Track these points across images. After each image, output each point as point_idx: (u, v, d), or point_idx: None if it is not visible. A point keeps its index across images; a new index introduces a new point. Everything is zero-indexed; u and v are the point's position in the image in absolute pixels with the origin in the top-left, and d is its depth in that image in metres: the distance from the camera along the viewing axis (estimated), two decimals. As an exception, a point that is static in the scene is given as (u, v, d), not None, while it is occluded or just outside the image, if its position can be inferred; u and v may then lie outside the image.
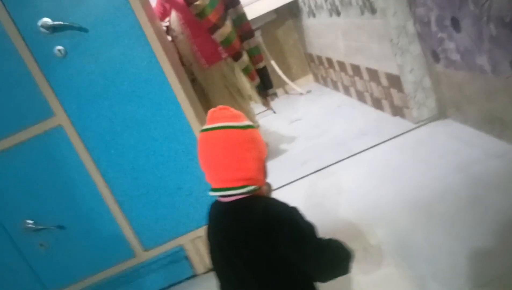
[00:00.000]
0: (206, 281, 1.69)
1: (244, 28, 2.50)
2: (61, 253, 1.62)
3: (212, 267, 0.97)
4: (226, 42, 2.38)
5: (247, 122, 0.90)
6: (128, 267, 1.66)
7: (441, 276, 1.28)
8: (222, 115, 0.89)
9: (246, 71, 2.49)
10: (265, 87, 2.63)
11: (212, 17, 2.31)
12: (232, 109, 0.91)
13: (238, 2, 2.48)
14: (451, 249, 1.35)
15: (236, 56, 2.44)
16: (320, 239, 0.90)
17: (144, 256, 1.65)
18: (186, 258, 1.69)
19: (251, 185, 0.87)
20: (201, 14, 2.30)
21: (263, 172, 0.91)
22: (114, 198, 1.58)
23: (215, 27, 2.34)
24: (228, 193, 0.87)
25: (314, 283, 0.93)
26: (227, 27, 2.38)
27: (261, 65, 2.59)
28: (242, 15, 2.49)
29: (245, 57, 2.48)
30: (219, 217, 0.90)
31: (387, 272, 1.38)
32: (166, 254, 1.67)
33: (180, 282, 1.73)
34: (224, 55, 2.46)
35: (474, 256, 1.29)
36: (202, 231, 1.64)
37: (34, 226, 1.58)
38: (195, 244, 1.67)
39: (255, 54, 2.55)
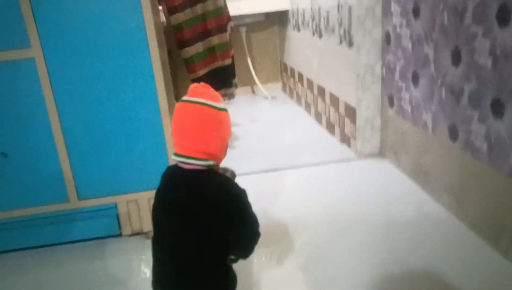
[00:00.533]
0: (129, 243, 1.78)
1: (218, 21, 2.49)
2: (-3, 179, 1.65)
3: (153, 222, 1.08)
4: (177, 27, 2.41)
5: (222, 105, 1.01)
6: (59, 210, 1.70)
7: (339, 280, 1.45)
8: (203, 92, 1.00)
9: (187, 61, 2.48)
10: (223, 84, 2.60)
11: (177, 0, 2.35)
12: (212, 90, 1.02)
13: None
14: (353, 264, 1.53)
15: (181, 44, 2.46)
16: (256, 224, 1.03)
17: (77, 204, 1.70)
18: (117, 217, 1.75)
19: (211, 160, 0.98)
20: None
21: (224, 152, 1.03)
22: (65, 141, 1.62)
23: (174, 10, 2.38)
24: (189, 161, 0.96)
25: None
26: (185, 15, 2.39)
27: (226, 62, 2.56)
28: (220, 8, 2.48)
29: (191, 48, 2.46)
30: (175, 179, 1.00)
31: (293, 271, 1.54)
32: (98, 207, 1.72)
33: (104, 237, 1.80)
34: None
35: (372, 275, 1.47)
36: (138, 196, 1.72)
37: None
38: (129, 206, 1.74)
39: (222, 50, 2.53)
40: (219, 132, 0.99)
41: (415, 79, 1.99)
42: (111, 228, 1.77)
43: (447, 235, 1.68)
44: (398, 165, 2.25)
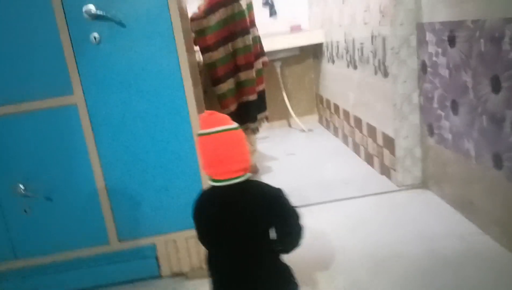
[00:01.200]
0: (168, 284, 1.79)
1: (247, 58, 2.53)
2: (41, 223, 1.70)
3: (207, 245, 1.18)
4: (211, 65, 2.48)
5: (235, 124, 1.12)
6: (99, 252, 1.73)
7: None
8: (216, 120, 1.11)
9: (220, 97, 2.55)
10: (247, 118, 2.63)
11: (210, 39, 2.43)
12: (218, 113, 1.13)
13: (248, 32, 2.50)
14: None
15: (215, 82, 2.52)
16: (297, 215, 1.15)
17: (117, 245, 1.73)
18: (156, 258, 1.76)
19: (247, 173, 1.10)
20: (199, 32, 2.43)
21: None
22: (105, 184, 1.66)
23: (207, 49, 2.46)
24: (234, 182, 1.08)
25: None
26: (218, 53, 2.47)
27: (250, 97, 2.59)
28: (249, 46, 2.51)
29: (224, 85, 2.52)
30: (223, 199, 1.11)
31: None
32: (138, 249, 1.75)
33: (144, 279, 1.80)
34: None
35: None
36: (176, 236, 1.74)
37: (24, 191, 1.65)
38: (167, 246, 1.75)
39: (248, 86, 2.57)
40: (244, 147, 1.11)
41: (455, 107, 1.94)
42: (150, 269, 1.78)
43: (497, 269, 1.59)
44: (442, 195, 2.17)
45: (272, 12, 4.00)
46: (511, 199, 1.63)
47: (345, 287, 1.61)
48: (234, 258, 1.12)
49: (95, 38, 1.55)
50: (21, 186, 1.66)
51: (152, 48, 1.58)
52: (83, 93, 1.60)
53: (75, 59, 1.57)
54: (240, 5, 2.47)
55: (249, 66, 2.55)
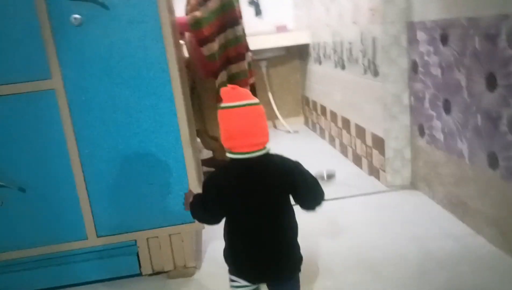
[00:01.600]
0: (149, 282, 1.69)
1: (238, 49, 2.50)
2: (15, 216, 1.59)
3: (226, 212, 1.18)
4: (212, 57, 2.40)
5: (257, 99, 1.15)
6: (77, 248, 1.63)
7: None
8: (239, 94, 1.13)
9: (218, 91, 2.48)
10: None
11: (206, 30, 2.35)
12: (240, 88, 1.15)
13: (238, 23, 2.49)
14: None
15: (215, 74, 2.46)
16: (317, 183, 1.20)
17: (95, 241, 1.63)
18: (137, 255, 1.67)
19: (267, 146, 1.15)
20: (195, 24, 2.35)
21: None
22: (84, 176, 1.56)
23: (206, 40, 2.37)
24: (258, 154, 1.12)
25: None
26: (215, 44, 2.40)
27: (251, 80, 2.59)
28: (240, 37, 2.50)
29: (221, 77, 2.47)
30: (249, 169, 1.14)
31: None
32: (117, 245, 1.65)
33: (123, 277, 1.71)
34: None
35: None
36: (159, 232, 1.65)
37: (-4, 181, 1.55)
38: (149, 243, 1.66)
39: (240, 78, 2.53)
40: (265, 122, 1.15)
41: (447, 106, 1.90)
42: (130, 267, 1.69)
43: (491, 270, 1.54)
44: (433, 196, 2.12)
45: (258, 12, 3.95)
46: (507, 199, 1.59)
47: None
48: (257, 224, 1.16)
49: (75, 19, 1.46)
50: (-7, 175, 1.55)
51: (137, 34, 1.49)
52: (62, 78, 1.50)
53: (54, 41, 1.47)
54: None
55: (240, 57, 2.50)
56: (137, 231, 1.63)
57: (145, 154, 1.57)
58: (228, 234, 1.21)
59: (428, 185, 2.16)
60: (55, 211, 1.60)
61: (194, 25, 2.35)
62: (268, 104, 3.94)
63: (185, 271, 1.71)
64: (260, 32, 3.73)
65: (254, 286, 1.22)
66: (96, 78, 1.51)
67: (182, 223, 1.64)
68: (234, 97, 1.12)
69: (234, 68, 2.51)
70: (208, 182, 1.19)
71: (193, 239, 1.71)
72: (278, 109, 3.99)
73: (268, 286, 1.23)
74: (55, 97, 1.51)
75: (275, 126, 4.15)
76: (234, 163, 1.15)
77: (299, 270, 1.23)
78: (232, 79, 2.50)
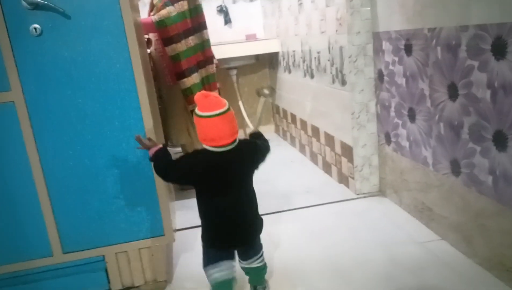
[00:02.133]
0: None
1: (206, 54, 2.52)
2: (-27, 233, 1.53)
3: (203, 189, 1.44)
4: (176, 57, 2.38)
5: (228, 104, 1.38)
6: (42, 265, 1.58)
7: None
8: (213, 103, 1.36)
9: (188, 92, 2.44)
10: None
11: (172, 30, 2.34)
12: (211, 95, 1.37)
13: (205, 27, 2.50)
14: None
15: (180, 75, 2.42)
16: (268, 145, 1.57)
17: (61, 258, 1.58)
18: (105, 270, 1.63)
19: (237, 138, 1.41)
20: (161, 22, 2.33)
21: None
22: (47, 190, 1.52)
23: (170, 41, 2.36)
24: (231, 147, 1.38)
25: None
26: (182, 45, 2.38)
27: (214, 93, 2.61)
28: (207, 41, 2.51)
29: (189, 80, 2.44)
30: (224, 154, 1.38)
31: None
32: (85, 261, 1.61)
33: (92, 293, 1.67)
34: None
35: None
36: (127, 247, 1.61)
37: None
38: (118, 258, 1.62)
39: (209, 82, 2.55)
40: (235, 121, 1.40)
41: (412, 115, 1.94)
42: (99, 283, 1.65)
43: (456, 274, 1.58)
44: (400, 203, 2.16)
45: (227, 20, 3.95)
46: (468, 205, 1.63)
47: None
48: (231, 200, 1.43)
49: (35, 29, 1.41)
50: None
51: (100, 42, 1.46)
52: (22, 89, 1.45)
53: (13, 52, 1.42)
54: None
55: (209, 61, 2.53)
56: (105, 246, 1.60)
57: (111, 166, 1.54)
58: (205, 213, 1.46)
59: (395, 191, 2.20)
60: (19, 227, 1.54)
61: (159, 23, 2.32)
62: (238, 112, 3.95)
63: (156, 285, 1.68)
64: (230, 41, 3.73)
65: (229, 271, 1.47)
66: (58, 89, 1.47)
67: (152, 237, 1.62)
68: (208, 107, 1.35)
69: (203, 72, 2.51)
70: (188, 160, 1.45)
71: (163, 252, 1.68)
72: (248, 117, 3.99)
73: (239, 251, 1.52)
74: (14, 109, 1.45)
75: (245, 134, 4.15)
76: (211, 151, 1.39)
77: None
78: (203, 83, 2.50)
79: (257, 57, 3.89)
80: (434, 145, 1.80)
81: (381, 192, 2.35)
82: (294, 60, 3.25)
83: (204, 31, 2.49)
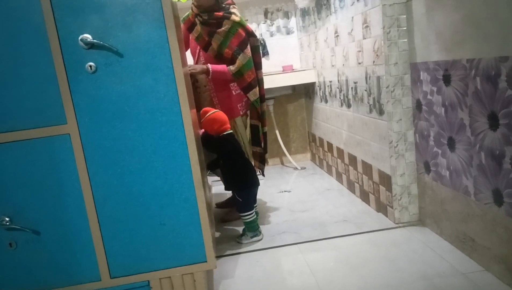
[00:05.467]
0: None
1: (260, 92, 2.67)
2: (28, 258, 1.61)
3: (232, 156, 2.41)
4: (258, 102, 2.60)
5: (214, 110, 2.40)
6: (91, 289, 1.65)
7: None
8: (208, 110, 2.38)
9: (261, 131, 2.69)
10: (265, 150, 2.77)
11: (248, 77, 2.53)
12: (207, 111, 2.40)
13: (261, 67, 2.66)
14: None
15: (261, 115, 2.66)
16: None
17: (109, 282, 1.64)
18: (149, 294, 1.69)
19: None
20: (238, 73, 2.51)
21: None
22: (97, 216, 1.60)
23: (250, 87, 2.55)
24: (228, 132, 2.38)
25: None
26: (257, 89, 2.59)
27: (265, 129, 2.75)
28: (261, 80, 2.67)
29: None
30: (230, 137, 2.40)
31: None
32: (131, 286, 1.66)
33: (136, 317, 1.72)
34: (242, 111, 2.65)
35: None
36: (171, 273, 1.66)
37: (8, 224, 1.58)
38: (162, 283, 1.67)
39: (263, 118, 2.71)
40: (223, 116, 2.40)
41: (451, 144, 1.94)
42: (144, 307, 1.70)
43: (503, 310, 1.54)
44: (441, 233, 2.13)
45: (265, 53, 4.06)
46: (514, 237, 1.60)
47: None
48: (245, 159, 2.49)
49: (90, 67, 1.52)
50: (7, 218, 1.58)
51: (150, 78, 1.55)
52: (77, 123, 1.55)
53: (69, 88, 1.53)
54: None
55: (262, 99, 2.70)
56: (150, 271, 1.65)
57: (158, 195, 1.61)
58: (237, 171, 2.41)
59: (436, 221, 2.17)
60: (69, 252, 1.62)
61: (238, 74, 2.52)
62: (275, 141, 4.01)
63: (197, 310, 1.72)
64: (267, 72, 3.83)
65: (255, 210, 2.46)
66: (110, 122, 1.56)
67: (194, 263, 1.67)
68: (208, 110, 2.40)
69: (262, 107, 2.69)
70: (225, 141, 2.38)
71: (205, 278, 1.72)
72: (285, 145, 4.04)
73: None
74: (70, 141, 1.56)
75: (282, 163, 4.19)
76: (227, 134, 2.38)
77: None
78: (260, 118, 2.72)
79: (294, 87, 3.96)
80: (475, 174, 1.78)
81: (420, 221, 2.32)
82: (331, 90, 3.29)
83: (259, 71, 2.64)
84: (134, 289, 1.67)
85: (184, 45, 2.61)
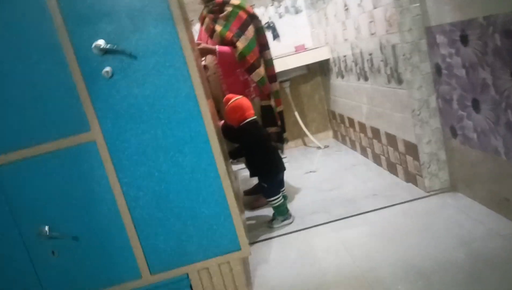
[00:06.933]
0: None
1: (269, 73, 2.66)
2: (70, 264, 1.67)
3: (261, 146, 2.42)
4: (262, 81, 2.57)
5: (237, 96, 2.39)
6: (133, 287, 1.69)
7: None
8: (231, 97, 2.38)
9: (275, 110, 2.67)
10: (282, 130, 2.77)
11: (250, 58, 2.51)
12: (230, 98, 2.39)
13: (268, 48, 2.66)
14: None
15: (270, 95, 2.63)
16: None
17: (149, 279, 1.69)
18: (190, 287, 1.72)
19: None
20: (241, 55, 2.50)
21: None
22: (131, 217, 1.64)
23: (253, 67, 2.53)
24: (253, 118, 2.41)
25: None
26: (262, 68, 2.57)
27: (279, 108, 2.73)
28: (269, 60, 2.66)
29: (272, 100, 2.66)
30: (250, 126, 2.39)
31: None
32: (171, 280, 1.70)
33: (179, 310, 1.75)
34: (252, 95, 2.62)
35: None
36: (208, 264, 1.70)
37: (49, 234, 1.62)
38: (200, 275, 1.71)
39: (275, 98, 2.70)
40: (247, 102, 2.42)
41: (476, 105, 1.90)
42: (186, 300, 1.74)
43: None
44: (474, 196, 2.10)
45: (275, 35, 4.03)
46: (550, 192, 1.57)
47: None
48: (274, 151, 2.53)
49: (107, 72, 1.54)
50: (46, 228, 1.63)
51: (166, 79, 1.57)
52: (101, 129, 1.59)
53: (89, 96, 1.56)
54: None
55: (273, 79, 2.70)
56: (188, 264, 1.69)
57: (187, 190, 1.64)
58: (260, 159, 2.41)
59: (468, 185, 2.14)
60: (109, 254, 1.67)
61: (240, 57, 2.51)
62: (295, 123, 3.99)
63: (237, 298, 1.75)
64: (280, 55, 3.81)
65: (283, 194, 2.47)
66: (133, 125, 1.59)
67: (229, 252, 1.69)
68: (231, 97, 2.39)
69: (273, 86, 2.68)
70: (245, 131, 2.38)
71: (241, 266, 1.75)
72: (305, 126, 4.02)
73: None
74: (96, 148, 1.59)
75: (305, 144, 4.18)
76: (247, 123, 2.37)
77: None
78: (274, 98, 2.69)
79: (308, 67, 3.92)
80: (504, 133, 1.74)
81: (452, 187, 2.29)
82: (346, 65, 3.25)
83: (267, 51, 2.64)
84: (174, 283, 1.71)
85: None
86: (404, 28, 2.21)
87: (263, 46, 2.62)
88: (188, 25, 1.84)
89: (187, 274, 1.71)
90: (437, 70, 2.16)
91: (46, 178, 1.62)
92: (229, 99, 2.39)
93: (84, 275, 1.68)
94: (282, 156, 2.67)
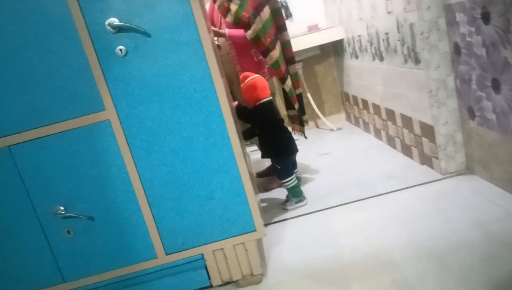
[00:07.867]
0: (220, 293, 1.75)
1: (287, 54, 2.61)
2: (85, 243, 1.68)
3: (277, 124, 2.44)
4: (276, 64, 2.50)
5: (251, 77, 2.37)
6: (148, 267, 1.70)
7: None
8: (248, 76, 2.37)
9: (290, 93, 2.60)
10: (301, 112, 2.72)
11: (265, 40, 2.45)
12: (247, 76, 2.38)
13: (285, 29, 2.60)
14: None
15: (283, 79, 2.56)
16: None
17: (165, 259, 1.69)
18: (205, 268, 1.73)
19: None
20: (256, 37, 2.44)
21: None
22: (147, 197, 1.64)
23: (267, 50, 2.47)
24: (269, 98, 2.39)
25: None
26: (277, 51, 2.50)
27: (298, 91, 2.69)
28: (287, 42, 2.61)
29: (289, 81, 2.60)
30: (264, 108, 2.37)
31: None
32: (186, 260, 1.71)
33: (195, 290, 1.77)
34: (267, 77, 2.58)
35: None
36: (223, 244, 1.70)
37: (64, 213, 1.63)
38: (216, 255, 1.71)
39: (293, 80, 2.65)
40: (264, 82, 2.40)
41: (496, 85, 1.85)
42: (200, 280, 1.74)
43: None
44: (490, 178, 2.07)
45: (288, 15, 3.96)
46: None
47: (398, 284, 1.53)
48: (288, 131, 2.52)
49: (120, 50, 1.52)
50: (61, 207, 1.64)
51: (180, 55, 1.54)
52: (115, 108, 1.57)
53: (103, 74, 1.54)
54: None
55: (292, 60, 2.66)
56: (203, 245, 1.69)
57: (202, 170, 1.62)
58: (273, 140, 2.41)
59: (485, 167, 2.10)
60: (124, 234, 1.67)
61: (255, 39, 2.46)
62: (308, 105, 3.95)
63: (253, 279, 1.75)
64: (292, 35, 3.74)
65: (296, 176, 2.46)
66: (147, 104, 1.57)
67: (244, 233, 1.69)
68: (248, 76, 2.37)
69: (291, 69, 2.63)
70: (259, 112, 2.36)
71: (256, 247, 1.74)
72: (318, 108, 3.99)
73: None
74: (110, 127, 1.58)
75: (317, 126, 4.15)
76: (261, 104, 2.35)
77: None
78: (292, 80, 2.64)
79: (321, 47, 3.87)
80: (525, 114, 1.70)
81: (468, 169, 2.26)
82: (361, 45, 3.19)
83: (285, 32, 2.58)
84: (190, 263, 1.72)
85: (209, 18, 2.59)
86: (422, 6, 2.15)
87: (281, 28, 2.56)
88: (202, 2, 1.81)
89: (202, 255, 1.71)
90: (456, 49, 2.11)
91: (61, 157, 1.61)
92: (246, 77, 2.36)
93: (99, 255, 1.69)
94: (298, 142, 2.64)
